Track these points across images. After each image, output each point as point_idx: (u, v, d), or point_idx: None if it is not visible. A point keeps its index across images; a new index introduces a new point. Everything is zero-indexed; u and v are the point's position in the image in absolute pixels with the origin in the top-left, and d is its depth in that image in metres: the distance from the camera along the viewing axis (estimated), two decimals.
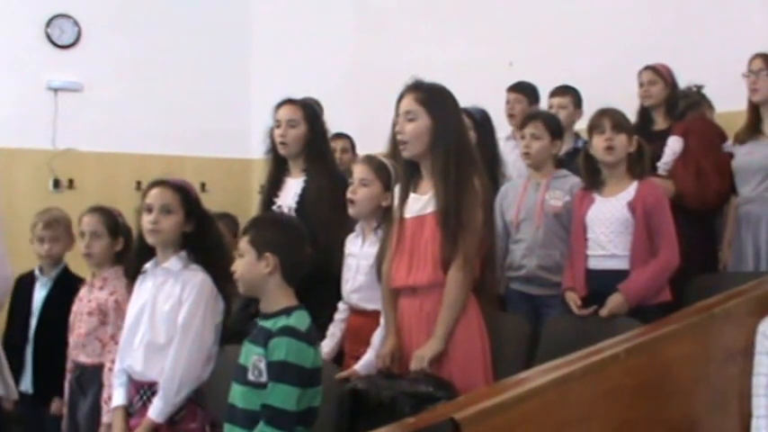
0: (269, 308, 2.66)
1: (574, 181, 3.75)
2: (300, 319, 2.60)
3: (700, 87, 4.39)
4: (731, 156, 4.08)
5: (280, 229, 2.75)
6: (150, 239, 2.97)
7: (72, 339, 3.59)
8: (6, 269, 2.21)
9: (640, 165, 3.55)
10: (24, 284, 4.20)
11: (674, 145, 4.19)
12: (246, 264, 2.65)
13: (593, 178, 3.57)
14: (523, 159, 3.87)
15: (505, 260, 3.80)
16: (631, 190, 3.47)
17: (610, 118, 3.51)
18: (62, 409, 3.76)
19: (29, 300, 4.17)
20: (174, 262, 2.96)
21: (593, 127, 3.54)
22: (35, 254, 4.19)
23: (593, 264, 3.49)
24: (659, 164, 4.16)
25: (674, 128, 4.29)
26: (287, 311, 2.61)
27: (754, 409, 2.72)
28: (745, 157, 3.96)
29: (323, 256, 3.44)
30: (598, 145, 3.51)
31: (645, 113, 4.45)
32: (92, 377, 3.47)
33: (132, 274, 3.11)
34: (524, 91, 4.91)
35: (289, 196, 3.79)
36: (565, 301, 3.54)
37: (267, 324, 2.61)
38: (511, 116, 4.83)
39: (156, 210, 2.95)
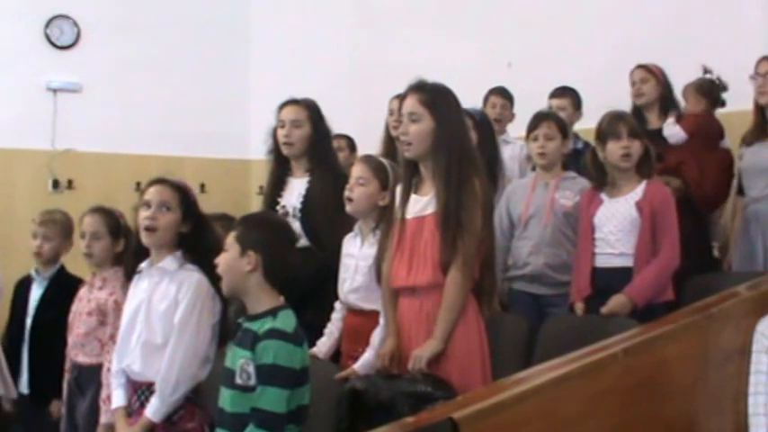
0: (253, 309, 2.65)
1: (583, 183, 3.74)
2: (287, 320, 2.59)
3: (709, 71, 4.40)
4: (729, 152, 4.09)
5: (266, 228, 2.75)
6: (145, 237, 2.95)
7: (71, 339, 3.59)
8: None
9: (648, 165, 3.55)
10: (22, 287, 4.20)
11: (679, 133, 4.23)
12: (229, 259, 2.66)
13: (602, 179, 3.57)
14: (538, 159, 3.85)
15: (507, 259, 3.81)
16: (639, 190, 3.48)
17: (626, 124, 3.49)
18: (61, 411, 3.76)
19: (25, 301, 4.15)
20: (169, 261, 2.96)
21: (609, 133, 3.51)
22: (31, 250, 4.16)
23: (602, 262, 3.49)
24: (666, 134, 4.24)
25: (684, 120, 4.29)
26: (272, 312, 2.61)
27: (751, 407, 2.72)
28: (752, 157, 3.97)
29: (327, 256, 3.46)
30: (615, 152, 3.49)
31: (638, 113, 4.39)
32: (90, 377, 3.47)
33: (128, 274, 3.11)
34: (502, 93, 5.05)
35: (293, 196, 3.78)
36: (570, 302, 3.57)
37: (253, 326, 2.60)
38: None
39: (155, 206, 2.94)
